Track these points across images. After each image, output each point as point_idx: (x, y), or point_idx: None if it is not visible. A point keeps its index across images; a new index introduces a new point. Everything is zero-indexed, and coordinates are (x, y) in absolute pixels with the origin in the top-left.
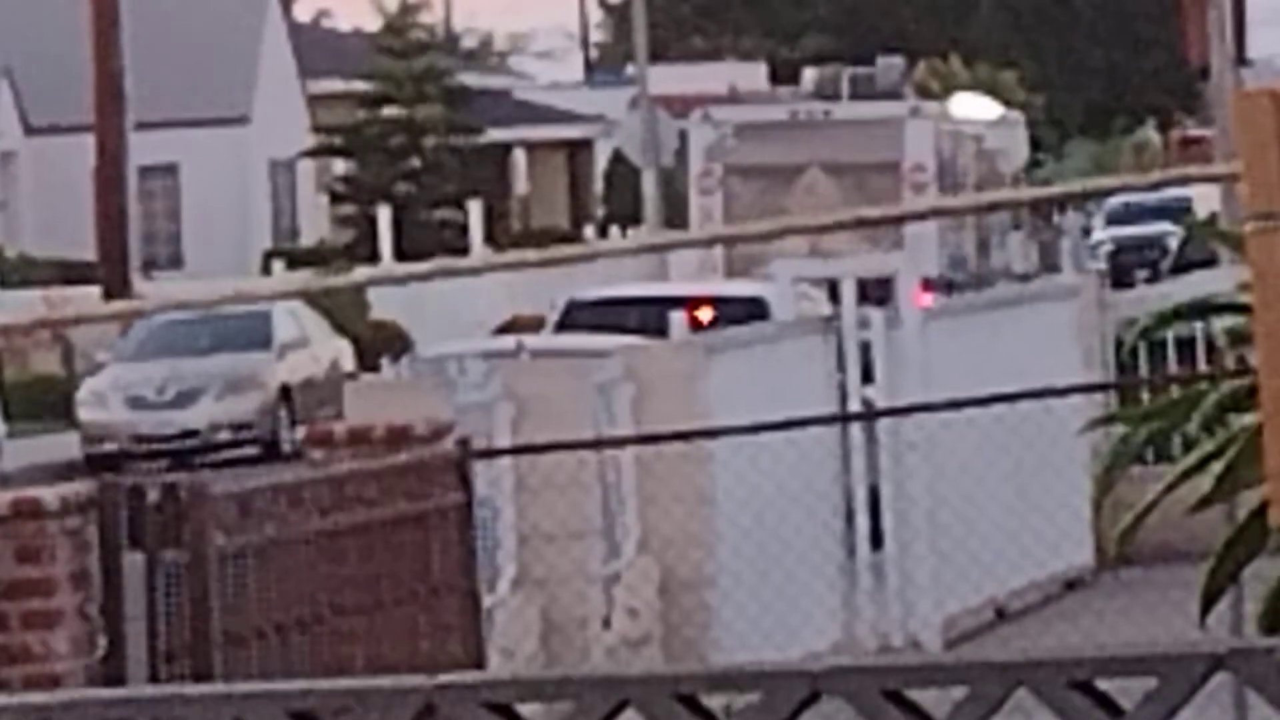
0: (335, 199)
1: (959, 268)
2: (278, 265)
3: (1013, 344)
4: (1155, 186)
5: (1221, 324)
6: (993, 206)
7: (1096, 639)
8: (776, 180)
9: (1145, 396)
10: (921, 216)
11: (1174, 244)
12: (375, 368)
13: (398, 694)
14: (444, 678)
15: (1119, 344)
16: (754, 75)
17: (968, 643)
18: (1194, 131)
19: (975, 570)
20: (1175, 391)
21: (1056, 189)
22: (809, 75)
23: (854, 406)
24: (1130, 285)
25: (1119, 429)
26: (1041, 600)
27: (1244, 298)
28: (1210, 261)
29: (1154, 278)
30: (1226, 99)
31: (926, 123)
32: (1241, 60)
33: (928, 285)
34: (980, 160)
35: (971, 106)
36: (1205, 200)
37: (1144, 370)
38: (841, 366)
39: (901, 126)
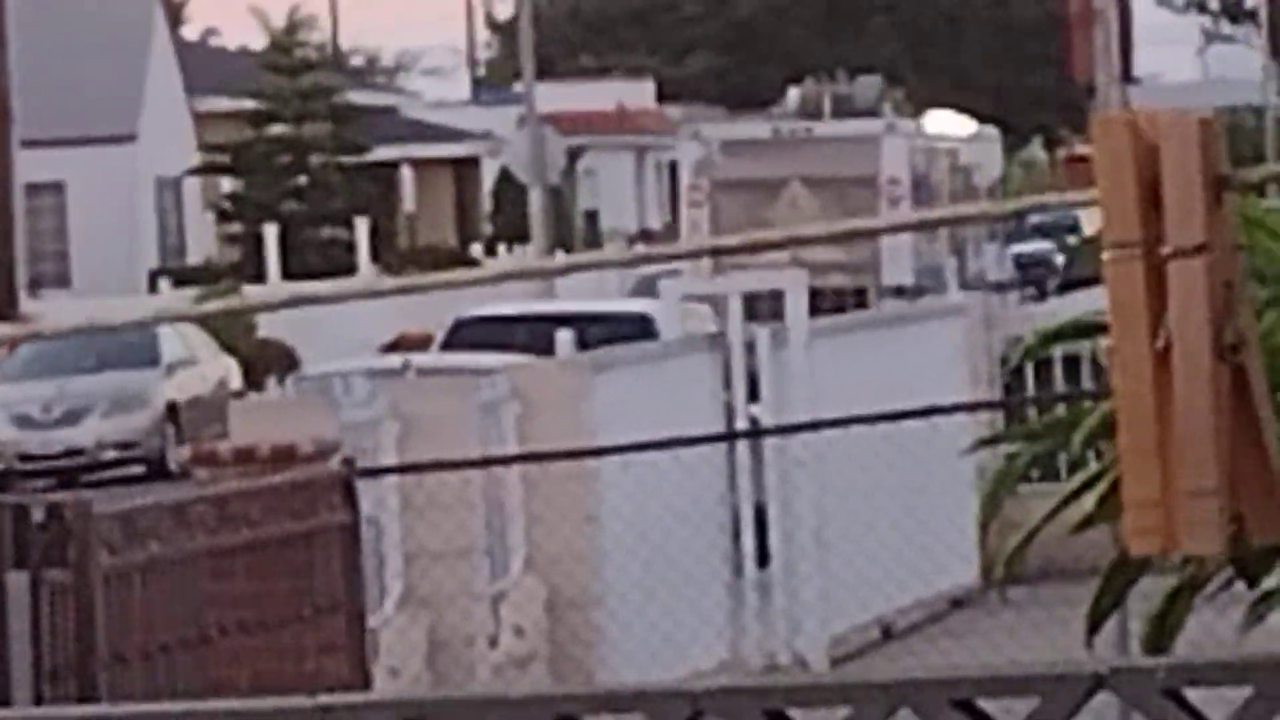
0: (222, 217)
1: (933, 276)
2: (164, 284)
3: (899, 362)
4: (1014, 215)
5: (1106, 343)
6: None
7: (982, 657)
8: (761, 194)
9: (1032, 415)
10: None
11: (1060, 262)
12: (262, 386)
13: (280, 714)
14: (325, 699)
15: (1004, 362)
16: (642, 93)
17: (854, 661)
18: (1081, 149)
19: (862, 588)
20: (1061, 410)
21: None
22: (792, 94)
23: (741, 424)
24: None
25: (1005, 447)
26: (928, 618)
27: None
28: (1097, 279)
29: (1041, 295)
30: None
31: (902, 139)
32: (1128, 78)
33: (900, 292)
34: (954, 174)
35: (946, 123)
36: (1093, 218)
37: (1031, 388)
38: (728, 384)
39: (878, 143)
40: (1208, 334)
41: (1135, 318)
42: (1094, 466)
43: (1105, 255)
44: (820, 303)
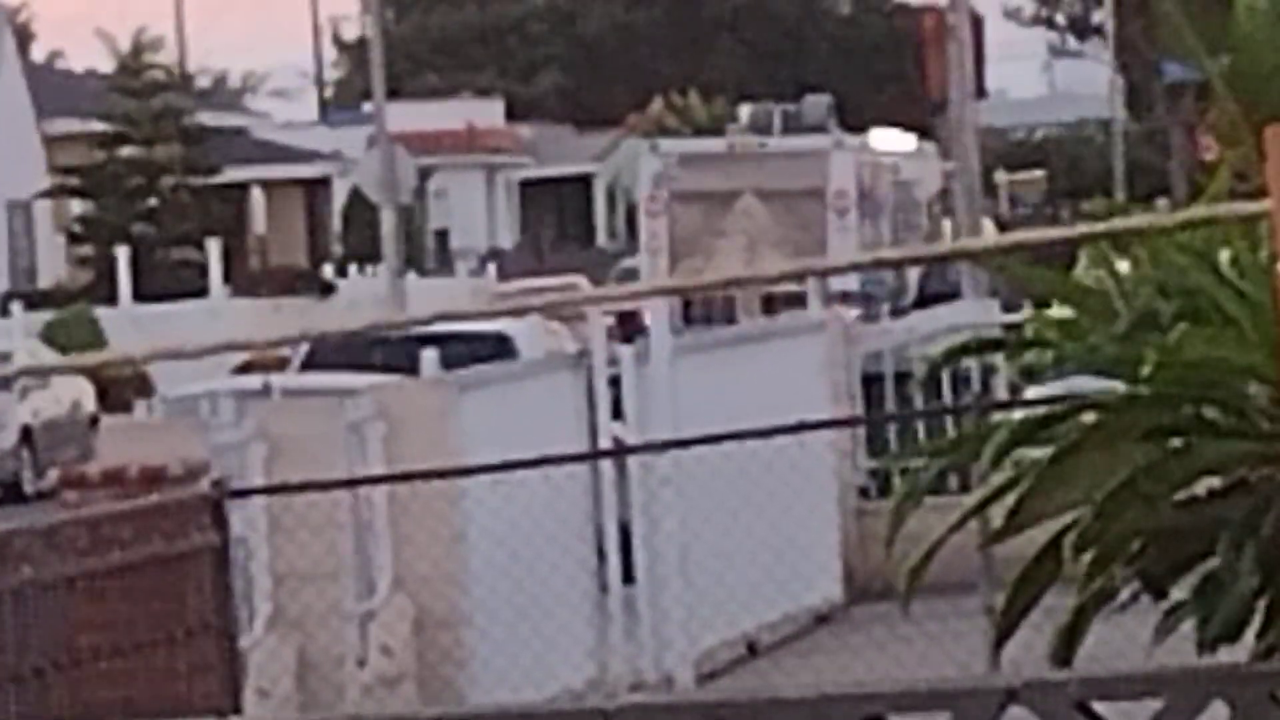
0: (73, 239)
1: (877, 283)
2: (16, 307)
3: (761, 378)
4: (1179, 227)
5: (1005, 359)
6: (1015, 248)
7: (855, 673)
8: (715, 204)
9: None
10: (943, 258)
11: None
12: (117, 408)
13: None
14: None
15: (865, 379)
16: (491, 112)
17: (722, 677)
18: None
19: (728, 604)
20: (921, 425)
21: (1111, 225)
22: (744, 111)
23: (605, 442)
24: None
25: (864, 463)
26: (793, 634)
27: (1048, 332)
28: (953, 295)
29: (897, 311)
30: (966, 132)
31: (848, 154)
32: (980, 93)
33: (846, 298)
34: (897, 188)
35: (889, 140)
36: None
37: (890, 404)
38: (592, 402)
39: (826, 157)
40: None
41: None
42: (998, 478)
43: None
44: (775, 306)
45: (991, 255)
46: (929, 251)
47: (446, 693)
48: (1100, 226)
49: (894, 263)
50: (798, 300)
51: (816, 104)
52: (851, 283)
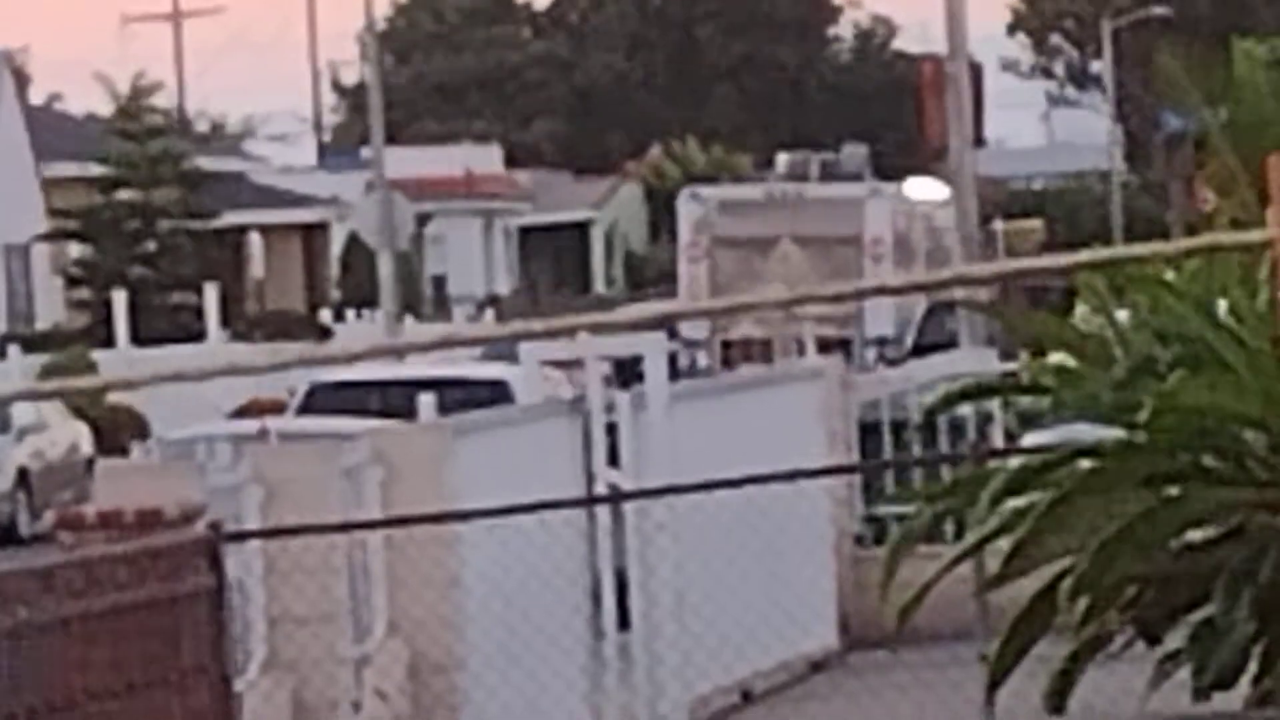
0: (71, 283)
1: (910, 329)
2: (13, 350)
3: (759, 425)
4: (1183, 256)
5: (1002, 405)
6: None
7: None
8: (754, 250)
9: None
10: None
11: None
12: (114, 451)
13: None
14: None
15: (862, 427)
16: (489, 158)
17: None
18: None
19: (723, 651)
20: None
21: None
22: (782, 159)
23: (601, 488)
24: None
25: (861, 510)
26: (788, 681)
27: (1045, 379)
28: (950, 344)
29: (894, 360)
30: (964, 180)
31: (884, 202)
32: (979, 141)
33: (882, 343)
34: (930, 235)
35: (923, 188)
36: None
37: (888, 452)
38: (588, 448)
39: (863, 205)
40: None
41: None
42: (992, 523)
43: None
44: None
45: (990, 281)
46: (929, 279)
47: None
48: (1103, 253)
49: (894, 291)
50: (837, 344)
51: (854, 153)
52: (887, 328)
